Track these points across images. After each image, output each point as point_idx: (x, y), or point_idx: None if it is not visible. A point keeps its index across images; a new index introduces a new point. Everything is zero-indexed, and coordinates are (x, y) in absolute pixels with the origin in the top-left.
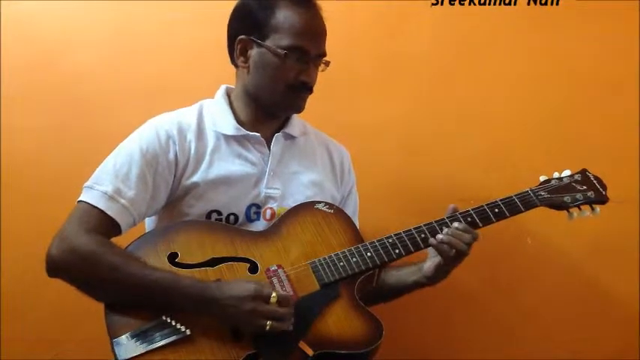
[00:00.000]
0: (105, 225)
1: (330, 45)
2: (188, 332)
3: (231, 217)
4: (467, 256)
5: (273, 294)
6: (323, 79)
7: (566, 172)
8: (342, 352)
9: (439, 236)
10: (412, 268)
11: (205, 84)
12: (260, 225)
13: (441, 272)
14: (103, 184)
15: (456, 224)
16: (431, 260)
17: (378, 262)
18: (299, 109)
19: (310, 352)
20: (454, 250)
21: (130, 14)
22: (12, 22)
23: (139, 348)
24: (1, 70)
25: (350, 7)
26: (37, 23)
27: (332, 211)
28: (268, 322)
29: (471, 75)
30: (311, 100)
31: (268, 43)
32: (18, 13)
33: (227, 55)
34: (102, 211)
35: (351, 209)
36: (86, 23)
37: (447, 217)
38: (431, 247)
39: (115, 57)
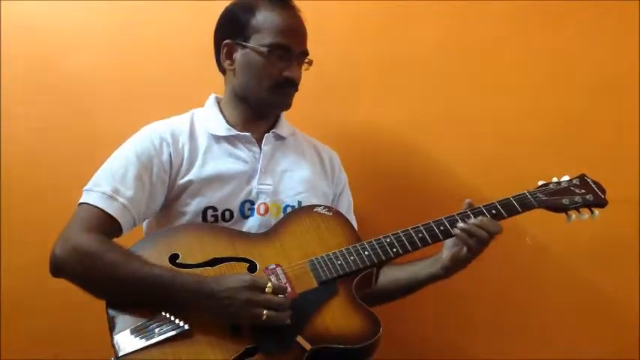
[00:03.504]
0: (106, 224)
1: (331, 45)
2: (187, 327)
3: (227, 213)
4: (487, 245)
5: (269, 283)
6: (323, 80)
7: (565, 178)
8: (340, 347)
9: (461, 224)
10: (428, 261)
11: (205, 84)
12: (255, 220)
13: (458, 263)
14: (102, 186)
15: (480, 217)
16: (448, 250)
17: (375, 260)
18: (286, 105)
19: (308, 346)
20: (474, 238)
21: (131, 15)
22: (12, 22)
23: (138, 343)
24: (1, 70)
25: (351, 7)
26: (37, 23)
27: (330, 213)
28: (265, 311)
29: (471, 76)
30: (311, 101)
31: (252, 43)
32: (18, 13)
33: None
34: (102, 210)
35: (345, 206)
36: (86, 24)
37: (445, 218)
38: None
39: (115, 57)
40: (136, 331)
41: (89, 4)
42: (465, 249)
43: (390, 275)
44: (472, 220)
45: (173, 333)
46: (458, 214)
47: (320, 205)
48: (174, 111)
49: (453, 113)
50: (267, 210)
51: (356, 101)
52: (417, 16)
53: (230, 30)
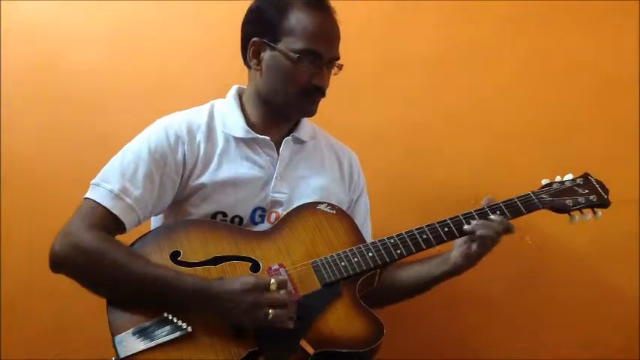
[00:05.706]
0: (109, 223)
1: None
2: (189, 329)
3: (236, 220)
4: (497, 243)
5: (272, 280)
6: None
7: (568, 176)
8: (343, 351)
9: (474, 222)
10: (437, 260)
11: (206, 84)
12: (264, 228)
13: (469, 260)
14: (110, 182)
15: (492, 217)
16: (458, 249)
17: (379, 262)
18: (311, 112)
19: (311, 350)
20: (484, 232)
21: (131, 14)
22: (12, 21)
23: (140, 345)
24: (2, 70)
25: (350, 7)
26: (37, 23)
27: (334, 212)
28: (270, 310)
29: (472, 76)
30: None
31: (281, 46)
32: (18, 12)
33: (228, 55)
34: (107, 209)
35: (362, 212)
36: (86, 23)
37: (449, 219)
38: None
39: (115, 57)
40: (138, 333)
41: (89, 3)
42: (474, 246)
43: (399, 275)
44: (476, 221)
45: (176, 335)
46: (462, 215)
47: (323, 203)
48: (175, 110)
49: (454, 113)
50: (277, 218)
51: (356, 101)
52: (418, 16)
53: (259, 27)
